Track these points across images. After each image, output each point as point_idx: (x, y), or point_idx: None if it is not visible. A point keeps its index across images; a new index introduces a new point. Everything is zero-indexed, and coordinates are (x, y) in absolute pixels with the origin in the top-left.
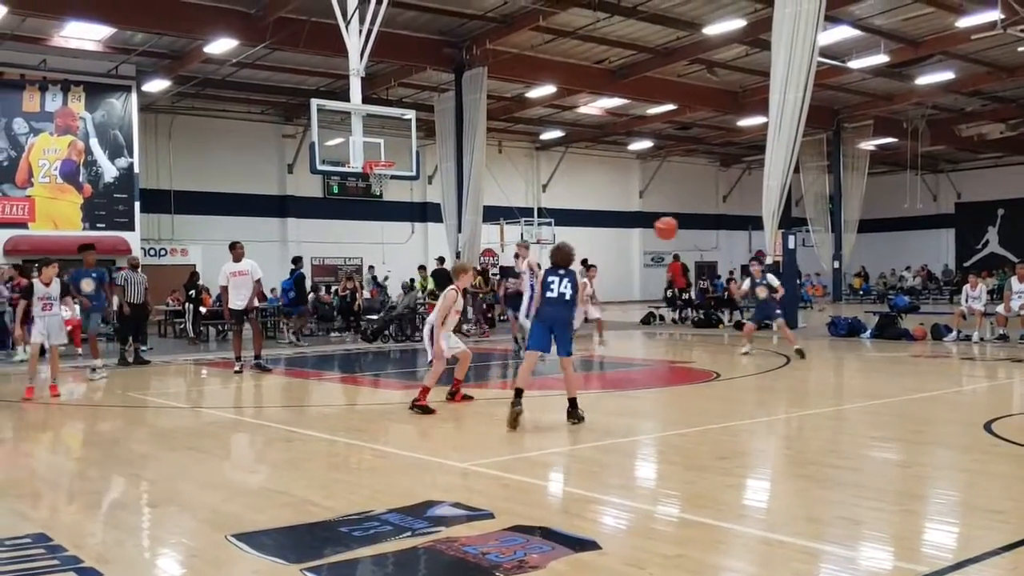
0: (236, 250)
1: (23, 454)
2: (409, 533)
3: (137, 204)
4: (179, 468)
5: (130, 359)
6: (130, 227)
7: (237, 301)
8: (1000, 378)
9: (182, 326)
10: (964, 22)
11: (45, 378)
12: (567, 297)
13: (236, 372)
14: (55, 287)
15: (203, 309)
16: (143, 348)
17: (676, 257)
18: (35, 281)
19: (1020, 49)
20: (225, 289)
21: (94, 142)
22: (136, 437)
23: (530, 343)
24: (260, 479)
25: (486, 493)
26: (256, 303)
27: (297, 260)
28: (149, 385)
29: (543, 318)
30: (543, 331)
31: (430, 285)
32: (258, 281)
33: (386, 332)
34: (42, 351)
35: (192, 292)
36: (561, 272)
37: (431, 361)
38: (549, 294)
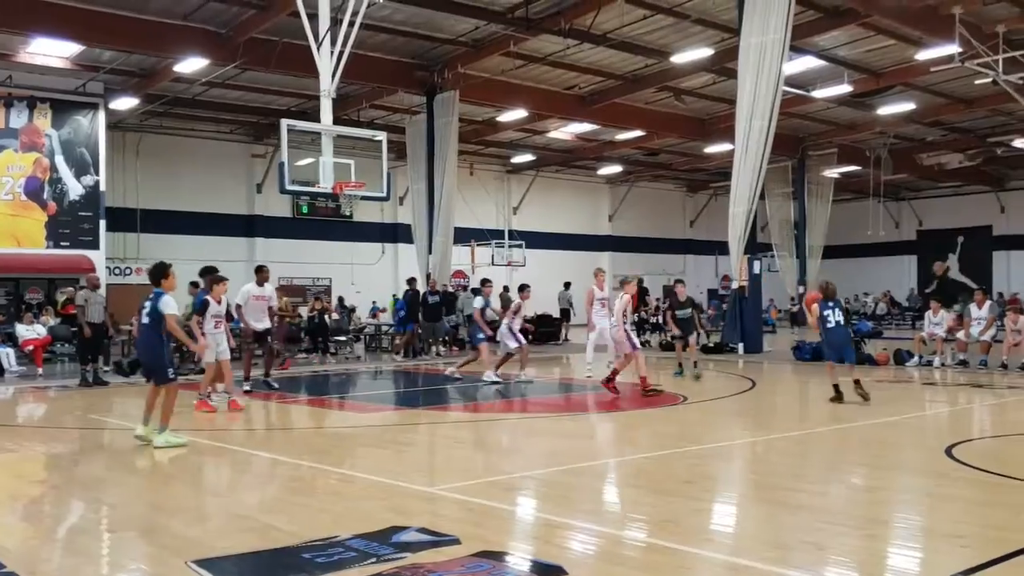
0: (262, 274)
1: None
2: (374, 559)
3: (103, 222)
4: (140, 492)
5: (91, 380)
6: (94, 245)
7: (258, 323)
8: (961, 403)
9: None
10: (923, 55)
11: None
12: (842, 323)
13: (246, 392)
14: (224, 305)
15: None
16: (104, 368)
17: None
18: (209, 299)
19: (977, 82)
20: (240, 308)
21: (60, 159)
22: (96, 460)
23: (829, 356)
24: (223, 503)
25: (452, 518)
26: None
27: (412, 281)
28: (111, 407)
29: (829, 343)
30: (831, 351)
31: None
32: (270, 308)
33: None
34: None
35: None
36: (831, 304)
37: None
38: (828, 324)
